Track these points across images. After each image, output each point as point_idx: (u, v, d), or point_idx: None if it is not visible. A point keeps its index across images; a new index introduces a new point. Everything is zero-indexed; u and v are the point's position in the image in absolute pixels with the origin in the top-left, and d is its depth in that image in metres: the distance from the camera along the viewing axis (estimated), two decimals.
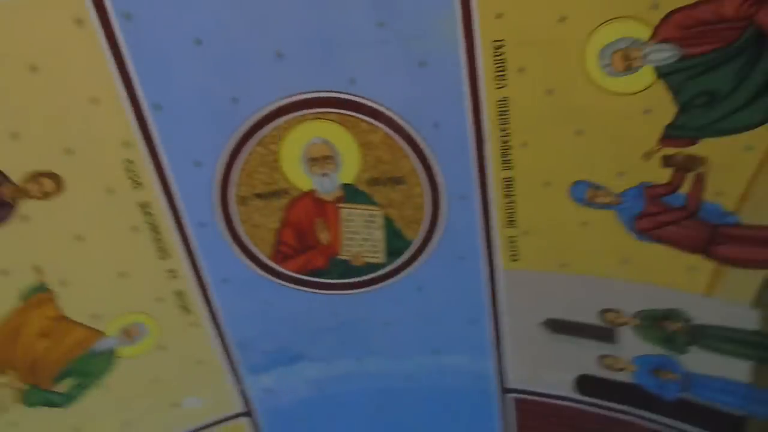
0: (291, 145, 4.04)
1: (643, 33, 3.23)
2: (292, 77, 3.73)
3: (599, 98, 3.49)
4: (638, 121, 3.51)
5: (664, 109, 3.42)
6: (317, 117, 3.93)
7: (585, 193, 3.96)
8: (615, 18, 3.24)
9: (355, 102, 3.84)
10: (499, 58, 3.54)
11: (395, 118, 3.90)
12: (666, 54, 3.24)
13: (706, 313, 4.17)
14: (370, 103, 3.85)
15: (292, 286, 4.71)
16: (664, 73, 3.32)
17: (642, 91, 3.40)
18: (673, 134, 3.50)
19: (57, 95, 3.52)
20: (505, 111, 3.75)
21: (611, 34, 3.29)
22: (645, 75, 3.34)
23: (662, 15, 3.14)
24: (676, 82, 3.33)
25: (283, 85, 3.78)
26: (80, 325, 4.35)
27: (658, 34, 3.20)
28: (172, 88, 3.67)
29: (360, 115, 3.91)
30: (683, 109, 3.40)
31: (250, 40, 3.56)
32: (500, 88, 3.65)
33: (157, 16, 3.41)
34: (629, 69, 3.34)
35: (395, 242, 4.48)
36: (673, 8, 3.11)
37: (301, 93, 3.82)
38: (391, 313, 4.91)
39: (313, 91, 3.81)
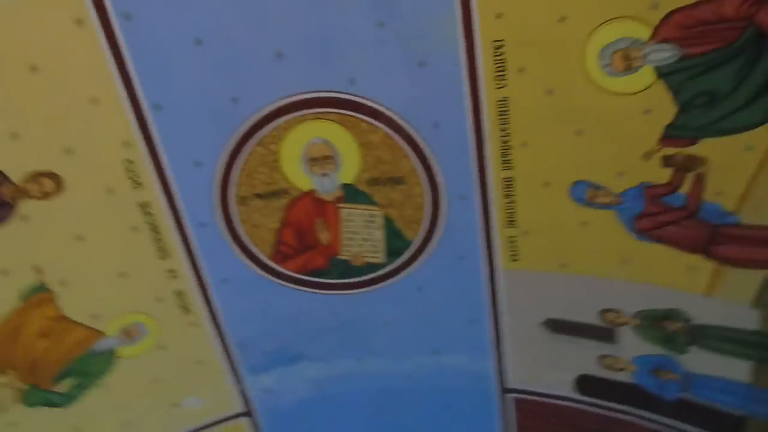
0: (291, 145, 4.04)
1: (643, 33, 3.23)
2: (292, 77, 3.73)
3: (599, 98, 3.49)
4: (638, 121, 3.51)
5: (664, 109, 3.42)
6: (317, 117, 3.92)
7: (585, 193, 3.96)
8: (615, 18, 3.24)
9: (355, 102, 3.84)
10: (499, 58, 3.54)
11: (395, 118, 3.90)
12: (666, 54, 3.24)
13: (706, 313, 4.17)
14: (370, 103, 3.85)
15: (292, 286, 4.70)
16: (664, 73, 3.32)
17: (642, 91, 3.40)
18: (673, 134, 3.50)
19: (57, 95, 3.52)
20: (505, 111, 3.75)
21: (611, 34, 3.28)
22: (645, 75, 3.34)
23: (662, 15, 3.14)
24: (676, 82, 3.32)
25: (283, 85, 3.78)
26: (80, 325, 4.35)
27: (658, 34, 3.20)
28: (172, 88, 3.67)
29: (360, 115, 3.91)
30: (683, 109, 3.40)
31: (250, 40, 3.56)
32: (500, 88, 3.65)
33: (157, 16, 3.41)
34: (629, 69, 3.34)
35: (395, 242, 4.48)
36: (673, 8, 3.11)
37: (301, 93, 3.82)
38: (391, 313, 4.91)
39: (313, 91, 3.81)
